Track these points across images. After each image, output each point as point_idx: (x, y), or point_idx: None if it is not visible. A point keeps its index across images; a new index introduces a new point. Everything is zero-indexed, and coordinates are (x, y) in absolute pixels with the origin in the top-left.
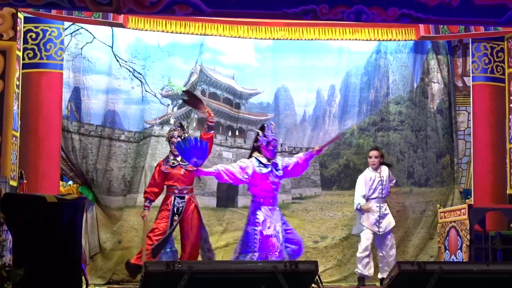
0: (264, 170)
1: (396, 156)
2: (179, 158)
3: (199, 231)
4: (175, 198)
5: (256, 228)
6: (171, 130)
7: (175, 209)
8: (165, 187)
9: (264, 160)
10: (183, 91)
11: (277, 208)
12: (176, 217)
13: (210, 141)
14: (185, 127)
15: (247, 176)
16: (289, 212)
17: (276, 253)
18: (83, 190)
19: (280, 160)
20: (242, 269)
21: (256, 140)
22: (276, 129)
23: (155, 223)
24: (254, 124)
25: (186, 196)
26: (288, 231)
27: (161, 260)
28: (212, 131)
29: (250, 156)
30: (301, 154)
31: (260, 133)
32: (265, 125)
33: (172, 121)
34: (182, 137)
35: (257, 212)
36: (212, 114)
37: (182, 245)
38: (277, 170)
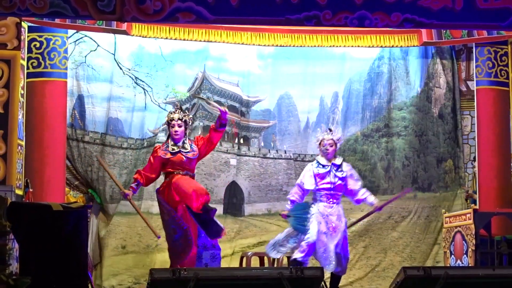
0: (321, 170)
1: (402, 162)
2: (180, 144)
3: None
4: None
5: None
6: (171, 113)
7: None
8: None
9: (323, 161)
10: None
11: (336, 206)
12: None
13: (217, 138)
14: (184, 109)
15: (312, 183)
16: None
17: (321, 249)
18: (92, 192)
19: (347, 166)
20: (248, 275)
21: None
22: (326, 129)
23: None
24: (257, 132)
25: None
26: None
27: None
28: (224, 128)
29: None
30: (362, 194)
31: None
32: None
33: None
34: (183, 119)
35: (312, 206)
36: (227, 112)
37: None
38: (337, 170)
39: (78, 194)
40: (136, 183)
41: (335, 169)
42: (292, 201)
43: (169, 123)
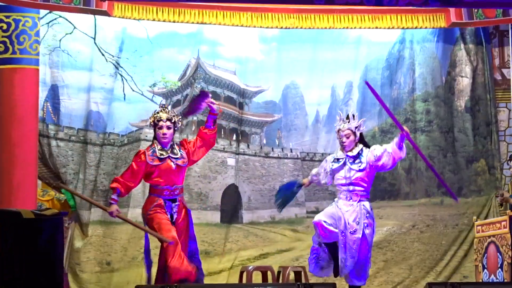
0: (335, 165)
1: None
2: (168, 149)
3: (187, 243)
4: (165, 202)
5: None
6: (158, 112)
7: (169, 216)
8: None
9: (339, 154)
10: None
11: (357, 204)
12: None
13: (214, 138)
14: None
15: (323, 178)
16: (303, 228)
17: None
18: (65, 193)
19: (367, 151)
20: None
21: None
22: (343, 117)
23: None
24: (258, 127)
25: (178, 198)
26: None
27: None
28: (216, 125)
29: None
30: (392, 144)
31: None
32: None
33: None
34: (172, 120)
35: (332, 204)
36: (214, 102)
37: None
38: (353, 163)
39: (64, 198)
40: (117, 193)
41: (350, 161)
42: (313, 178)
43: (155, 123)
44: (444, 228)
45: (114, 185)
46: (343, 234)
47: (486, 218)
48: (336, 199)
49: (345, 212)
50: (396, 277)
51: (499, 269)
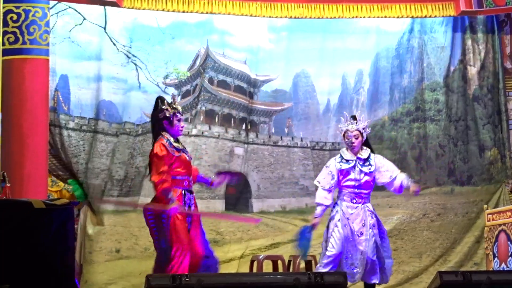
0: (345, 166)
1: (435, 151)
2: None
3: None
4: (185, 194)
5: (330, 224)
6: (174, 103)
7: (186, 208)
8: None
9: (347, 155)
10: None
11: (361, 206)
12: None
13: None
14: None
15: (328, 181)
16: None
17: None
18: (72, 183)
19: (377, 158)
20: (259, 282)
21: None
22: (349, 118)
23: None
24: (267, 116)
25: (192, 189)
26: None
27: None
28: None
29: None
30: (401, 179)
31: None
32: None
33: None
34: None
35: (335, 207)
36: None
37: None
38: (364, 165)
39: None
40: (171, 192)
41: (360, 163)
42: (319, 204)
43: (174, 115)
44: (455, 217)
45: (168, 185)
46: (351, 239)
47: (496, 206)
48: (338, 202)
49: (350, 215)
50: (406, 266)
51: (510, 258)
